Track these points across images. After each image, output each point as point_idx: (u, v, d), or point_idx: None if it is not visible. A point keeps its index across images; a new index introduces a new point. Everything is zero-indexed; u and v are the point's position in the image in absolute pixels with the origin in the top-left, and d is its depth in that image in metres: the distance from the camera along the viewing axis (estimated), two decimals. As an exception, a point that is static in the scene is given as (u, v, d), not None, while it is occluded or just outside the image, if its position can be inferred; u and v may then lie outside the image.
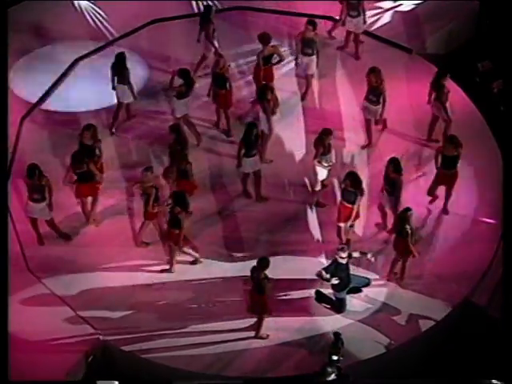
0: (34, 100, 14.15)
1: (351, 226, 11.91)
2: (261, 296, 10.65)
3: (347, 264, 10.96)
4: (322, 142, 12.02)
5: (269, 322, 11.00)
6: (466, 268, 11.56)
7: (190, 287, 11.79)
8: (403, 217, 11.07)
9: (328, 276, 10.91)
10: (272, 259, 10.84)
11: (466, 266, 11.57)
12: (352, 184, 11.54)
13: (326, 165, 12.10)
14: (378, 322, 11.23)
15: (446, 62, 14.36)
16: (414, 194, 12.40)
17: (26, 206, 11.99)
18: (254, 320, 11.04)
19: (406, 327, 11.13)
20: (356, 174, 11.81)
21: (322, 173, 12.23)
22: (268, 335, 11.01)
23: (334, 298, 11.25)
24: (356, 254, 11.14)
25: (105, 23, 15.65)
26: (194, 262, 11.81)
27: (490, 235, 11.90)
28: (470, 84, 14.14)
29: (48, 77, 14.54)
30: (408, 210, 11.15)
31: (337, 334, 10.39)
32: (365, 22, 14.57)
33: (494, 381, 10.26)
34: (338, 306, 11.27)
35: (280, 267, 11.42)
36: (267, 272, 10.62)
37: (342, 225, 11.79)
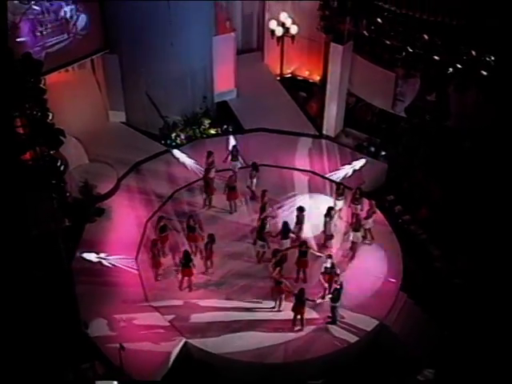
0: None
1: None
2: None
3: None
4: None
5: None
6: (380, 305, 18.91)
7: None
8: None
9: None
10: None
11: (380, 304, 18.96)
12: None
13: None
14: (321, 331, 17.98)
15: (371, 196, 21.01)
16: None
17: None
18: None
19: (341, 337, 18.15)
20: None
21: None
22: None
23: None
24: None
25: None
26: None
27: (393, 288, 19.43)
28: (382, 208, 21.27)
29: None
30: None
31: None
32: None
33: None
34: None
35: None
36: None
37: None
